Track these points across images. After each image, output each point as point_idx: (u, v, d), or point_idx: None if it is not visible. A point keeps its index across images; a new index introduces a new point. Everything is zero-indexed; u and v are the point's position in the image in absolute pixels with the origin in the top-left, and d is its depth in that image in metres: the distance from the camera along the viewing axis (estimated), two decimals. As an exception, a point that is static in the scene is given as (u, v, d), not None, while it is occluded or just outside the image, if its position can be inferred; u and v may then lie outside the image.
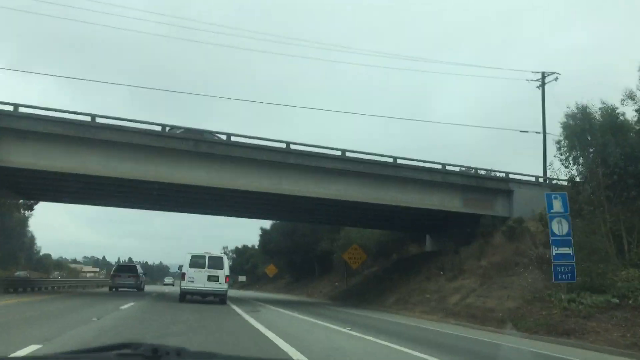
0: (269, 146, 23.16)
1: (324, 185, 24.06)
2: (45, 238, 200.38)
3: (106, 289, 35.42)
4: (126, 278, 33.87)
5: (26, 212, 66.42)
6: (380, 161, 24.78)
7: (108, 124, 21.16)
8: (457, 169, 25.97)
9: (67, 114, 21.01)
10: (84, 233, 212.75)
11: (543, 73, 39.95)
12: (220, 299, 21.17)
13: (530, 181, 27.05)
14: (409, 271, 28.16)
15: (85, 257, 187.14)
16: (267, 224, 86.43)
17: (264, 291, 69.47)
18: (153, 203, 29.36)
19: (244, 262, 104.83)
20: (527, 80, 40.81)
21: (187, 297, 21.15)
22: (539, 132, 39.03)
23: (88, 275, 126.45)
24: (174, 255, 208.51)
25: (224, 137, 22.70)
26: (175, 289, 44.08)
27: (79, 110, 21.43)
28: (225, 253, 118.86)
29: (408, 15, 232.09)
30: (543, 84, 39.58)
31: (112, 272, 36.40)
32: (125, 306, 15.98)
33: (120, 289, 32.92)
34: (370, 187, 24.71)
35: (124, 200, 28.39)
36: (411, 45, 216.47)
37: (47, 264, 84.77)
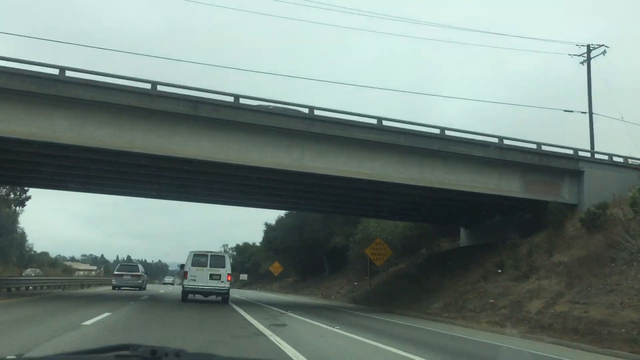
0: (288, 109, 18.32)
1: (355, 162, 19.24)
2: (44, 236, 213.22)
3: (99, 289, 33.20)
4: (128, 277, 34.02)
5: (17, 207, 62.43)
6: (425, 132, 19.94)
7: (81, 79, 16.30)
8: (516, 143, 21.10)
9: (29, 65, 16.17)
10: (82, 231, 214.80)
11: (588, 46, 35.19)
12: (222, 297, 21.09)
13: (603, 160, 22.25)
14: (451, 269, 23.36)
15: (83, 255, 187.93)
16: (271, 219, 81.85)
17: (268, 290, 64.60)
18: (143, 186, 24.40)
19: (245, 260, 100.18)
20: (570, 55, 36.16)
21: (189, 296, 20.91)
22: (584, 112, 34.49)
23: (81, 273, 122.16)
24: (173, 254, 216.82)
25: (230, 98, 17.84)
26: (173, 290, 39.48)
27: (44, 62, 16.52)
28: (225, 251, 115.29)
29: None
30: (589, 58, 34.84)
31: (114, 272, 36.49)
32: (91, 321, 10.98)
33: (122, 288, 32.88)
34: (412, 165, 19.90)
35: (106, 181, 23.40)
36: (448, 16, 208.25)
37: (41, 261, 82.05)
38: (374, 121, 19.30)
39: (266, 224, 60.54)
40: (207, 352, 2.48)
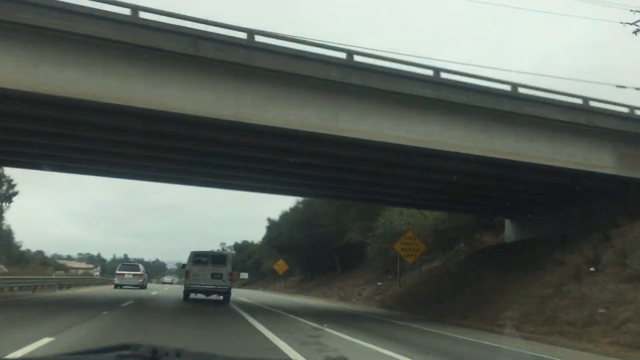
0: (320, 55, 13.62)
1: (405, 125, 14.54)
2: (41, 236, 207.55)
3: (83, 290, 30.17)
4: (130, 276, 34.61)
5: (3, 203, 58.14)
6: (494, 89, 15.24)
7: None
8: (605, 106, 16.38)
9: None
10: (80, 231, 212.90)
11: (644, 12, 30.46)
12: (224, 296, 21.17)
13: None
14: (512, 268, 18.73)
15: (80, 254, 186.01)
16: (274, 214, 76.66)
17: (271, 290, 59.74)
18: (131, 163, 19.54)
19: (245, 258, 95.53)
20: (622, 23, 31.58)
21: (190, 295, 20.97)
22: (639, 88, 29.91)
23: (80, 272, 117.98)
24: (171, 253, 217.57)
25: (242, 34, 13.11)
26: (169, 291, 34.84)
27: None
28: (223, 249, 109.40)
29: None
30: (645, 26, 30.18)
31: (116, 271, 36.90)
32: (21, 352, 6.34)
33: (124, 287, 33.32)
34: (477, 130, 15.21)
35: (80, 156, 18.49)
36: None
37: (32, 259, 78.50)
38: (430, 72, 14.60)
39: (269, 220, 55.81)
40: (207, 352, 2.32)
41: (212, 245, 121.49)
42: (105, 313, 13.26)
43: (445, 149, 14.89)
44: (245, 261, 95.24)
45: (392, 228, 32.03)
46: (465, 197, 22.44)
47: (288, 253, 54.30)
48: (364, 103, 14.15)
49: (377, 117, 14.26)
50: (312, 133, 13.80)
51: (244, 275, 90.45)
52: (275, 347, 8.21)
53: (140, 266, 38.23)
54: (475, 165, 16.07)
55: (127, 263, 46.32)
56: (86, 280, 40.56)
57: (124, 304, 16.34)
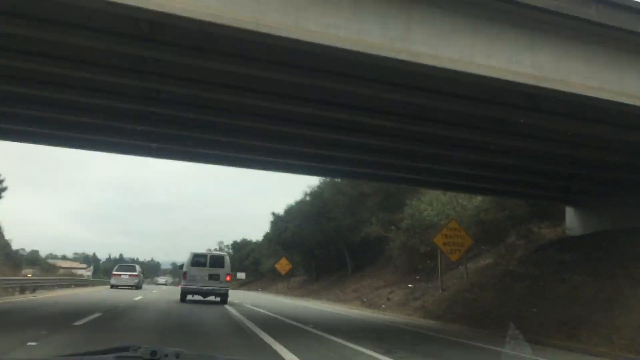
0: None
1: (505, 54, 9.70)
2: (37, 235, 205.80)
3: (55, 293, 26.50)
4: (126, 277, 35.77)
5: (-12, 199, 53.46)
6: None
7: None
8: None
9: None
10: (76, 230, 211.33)
11: None
12: (221, 298, 20.98)
13: None
14: (603, 269, 14.00)
15: (76, 254, 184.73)
16: (277, 208, 71.10)
17: (273, 292, 54.81)
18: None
19: (243, 257, 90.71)
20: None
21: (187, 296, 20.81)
22: None
23: (79, 273, 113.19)
24: (166, 253, 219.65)
25: None
26: (160, 294, 29.83)
27: None
28: (220, 249, 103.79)
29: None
30: None
31: (113, 272, 38.04)
32: None
33: (120, 287, 33.96)
34: (611, 65, 10.38)
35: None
36: None
37: (20, 259, 74.91)
38: (541, -26, 9.72)
39: (274, 214, 50.85)
40: (207, 353, 2.48)
41: (209, 244, 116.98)
42: (44, 332, 8.39)
43: (559, 88, 10.03)
44: (243, 260, 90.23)
45: (420, 219, 27.24)
46: (526, 174, 17.59)
47: (293, 251, 49.54)
48: (447, 16, 9.27)
49: (462, 37, 9.39)
50: (371, 56, 8.87)
51: (241, 275, 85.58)
52: None
53: (137, 267, 39.68)
54: (596, 118, 11.20)
55: (123, 264, 46.47)
56: (64, 281, 35.34)
57: (83, 320, 11.21)
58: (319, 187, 40.51)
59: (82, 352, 2.25)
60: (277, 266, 50.25)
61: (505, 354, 6.96)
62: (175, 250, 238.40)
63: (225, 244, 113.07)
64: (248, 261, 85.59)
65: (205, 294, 21.00)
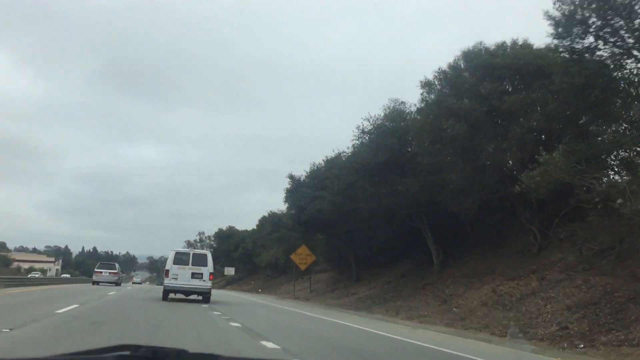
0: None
1: None
2: (8, 227, 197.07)
3: None
4: (107, 274, 39.90)
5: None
6: None
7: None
8: None
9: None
10: (49, 223, 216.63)
11: None
12: (203, 297, 20.90)
13: None
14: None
15: (47, 247, 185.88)
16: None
17: (283, 296, 37.88)
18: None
19: (231, 249, 74.05)
20: None
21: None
22: None
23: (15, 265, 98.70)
24: (143, 246, 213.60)
25: None
26: (117, 298, 21.12)
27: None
28: (201, 240, 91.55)
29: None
30: None
31: (95, 269, 41.94)
32: None
33: (101, 283, 37.84)
34: None
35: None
36: None
37: None
38: None
39: (291, 178, 33.99)
40: (208, 353, 2.20)
41: (188, 236, 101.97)
42: None
43: None
44: (230, 252, 73.75)
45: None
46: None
47: (324, 233, 33.26)
48: None
49: None
50: None
51: (230, 271, 69.03)
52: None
53: (117, 265, 44.13)
54: None
55: (105, 262, 49.05)
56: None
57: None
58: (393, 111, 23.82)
59: (82, 351, 2.29)
60: (295, 258, 33.85)
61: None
62: (152, 244, 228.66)
63: (207, 234, 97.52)
64: (237, 253, 69.05)
65: (187, 292, 20.99)
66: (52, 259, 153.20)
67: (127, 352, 2.03)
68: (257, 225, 65.73)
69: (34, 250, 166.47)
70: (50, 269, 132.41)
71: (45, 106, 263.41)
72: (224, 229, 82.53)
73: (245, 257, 67.29)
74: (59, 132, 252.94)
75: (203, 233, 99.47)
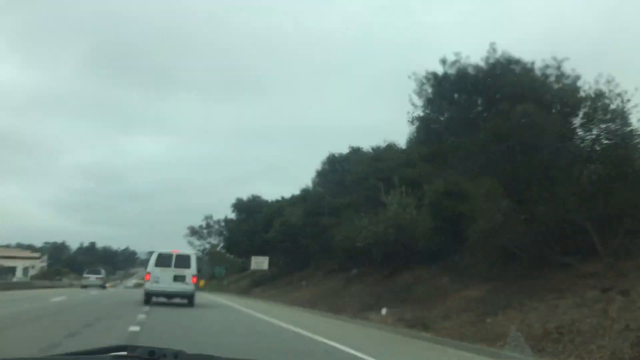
0: None
1: None
2: (11, 223, 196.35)
3: None
4: (94, 279, 47.84)
5: None
6: None
7: None
8: None
9: None
10: (51, 218, 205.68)
11: None
12: (188, 300, 20.47)
13: None
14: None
15: (46, 243, 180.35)
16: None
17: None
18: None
19: (258, 226, 46.16)
20: None
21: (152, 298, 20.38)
22: None
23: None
24: (143, 241, 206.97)
25: None
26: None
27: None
28: (208, 225, 76.22)
29: None
30: None
31: (84, 274, 51.41)
32: None
33: (88, 287, 43.56)
34: None
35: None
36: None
37: None
38: None
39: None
40: (206, 354, 2.23)
41: (194, 222, 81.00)
42: None
43: None
44: (257, 231, 46.08)
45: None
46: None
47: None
48: None
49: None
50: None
51: (261, 263, 40.76)
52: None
53: (102, 270, 54.46)
54: None
55: (92, 268, 55.14)
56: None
57: None
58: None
59: (80, 351, 2.26)
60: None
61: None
62: (153, 239, 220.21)
63: (215, 218, 74.41)
64: (275, 232, 40.54)
65: (170, 295, 20.40)
66: (37, 255, 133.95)
67: (124, 353, 2.05)
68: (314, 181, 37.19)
69: (30, 247, 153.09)
70: (33, 267, 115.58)
71: (36, 96, 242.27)
72: (247, 198, 54.16)
73: (291, 240, 38.79)
74: (53, 125, 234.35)
75: (211, 217, 77.28)
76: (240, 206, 53.06)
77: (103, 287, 46.14)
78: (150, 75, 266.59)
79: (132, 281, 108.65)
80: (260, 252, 44.02)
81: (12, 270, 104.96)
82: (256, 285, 43.34)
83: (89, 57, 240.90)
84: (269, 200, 51.96)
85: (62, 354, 2.27)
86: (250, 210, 51.95)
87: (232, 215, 57.53)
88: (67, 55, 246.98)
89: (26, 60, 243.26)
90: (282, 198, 49.37)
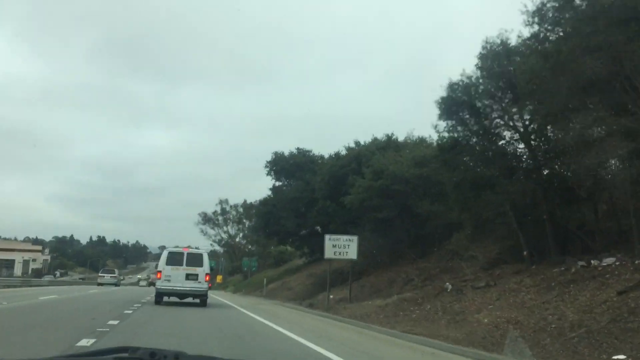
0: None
1: None
2: (22, 218, 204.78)
3: None
4: (108, 278, 52.60)
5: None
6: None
7: None
8: None
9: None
10: (62, 213, 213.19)
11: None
12: (200, 299, 19.93)
13: None
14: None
15: (55, 237, 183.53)
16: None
17: None
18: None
19: (307, 199, 27.68)
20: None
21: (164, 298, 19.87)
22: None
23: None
24: (154, 236, 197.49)
25: None
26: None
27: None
28: (223, 211, 70.60)
29: None
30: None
31: (99, 273, 56.95)
32: None
33: (105, 284, 48.34)
34: None
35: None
36: None
37: None
38: None
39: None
40: (206, 355, 2.37)
41: (207, 208, 76.63)
42: None
43: None
44: (311, 205, 27.46)
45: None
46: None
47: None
48: None
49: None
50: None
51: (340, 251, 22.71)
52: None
53: (116, 270, 61.43)
54: None
55: (106, 268, 62.87)
56: None
57: None
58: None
59: (81, 352, 2.30)
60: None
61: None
62: (164, 234, 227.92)
63: (231, 203, 68.45)
64: (362, 191, 22.39)
65: (182, 295, 19.88)
66: (39, 248, 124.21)
67: (125, 354, 2.07)
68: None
69: (38, 241, 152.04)
70: (34, 260, 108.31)
71: (45, 89, 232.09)
72: (286, 154, 35.89)
73: (394, 204, 20.53)
74: (63, 118, 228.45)
75: (226, 201, 68.41)
76: (280, 163, 34.68)
77: (117, 284, 51.54)
78: (162, 65, 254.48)
79: (143, 278, 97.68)
80: (322, 231, 26.20)
81: (10, 263, 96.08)
82: (322, 288, 25.22)
83: (98, 46, 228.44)
84: (325, 156, 33.87)
85: (64, 355, 2.27)
86: (296, 170, 33.77)
87: (262, 189, 39.84)
88: (76, 45, 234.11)
89: (35, 49, 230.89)
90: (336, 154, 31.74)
